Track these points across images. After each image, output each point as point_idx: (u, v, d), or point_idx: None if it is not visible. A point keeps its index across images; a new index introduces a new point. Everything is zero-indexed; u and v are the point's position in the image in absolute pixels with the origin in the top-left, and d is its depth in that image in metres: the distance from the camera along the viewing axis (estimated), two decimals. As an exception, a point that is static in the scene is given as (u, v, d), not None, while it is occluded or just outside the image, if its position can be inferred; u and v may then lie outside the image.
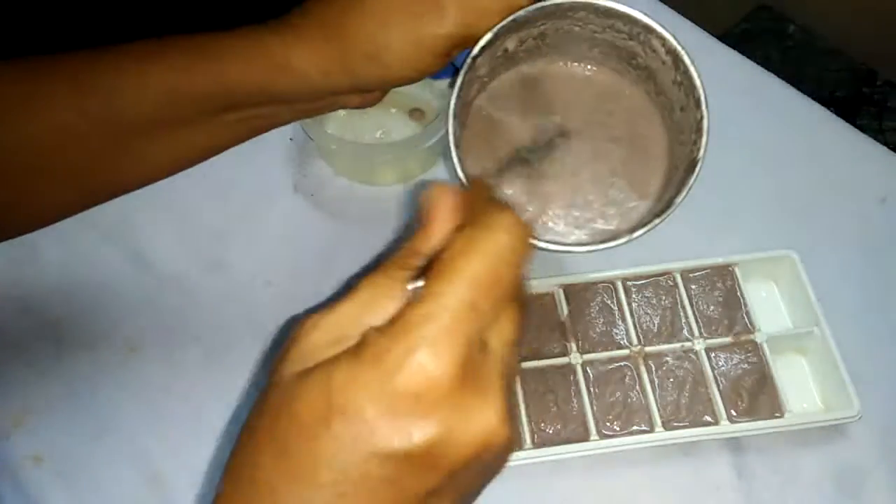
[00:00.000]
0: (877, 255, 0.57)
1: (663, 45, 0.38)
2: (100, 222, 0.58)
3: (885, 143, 0.63)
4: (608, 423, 0.49)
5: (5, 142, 0.35)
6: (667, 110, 0.42)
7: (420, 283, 0.25)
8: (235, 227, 0.58)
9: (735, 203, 0.60)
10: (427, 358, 0.23)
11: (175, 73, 0.36)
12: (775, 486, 0.49)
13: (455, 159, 0.36)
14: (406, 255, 0.26)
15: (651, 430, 0.48)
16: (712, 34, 0.66)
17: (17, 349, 0.53)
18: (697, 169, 0.38)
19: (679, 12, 0.67)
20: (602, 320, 0.52)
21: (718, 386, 0.50)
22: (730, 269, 0.54)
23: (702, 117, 0.38)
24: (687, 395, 0.50)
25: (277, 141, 0.62)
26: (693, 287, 0.54)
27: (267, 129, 0.40)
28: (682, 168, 0.40)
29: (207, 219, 0.58)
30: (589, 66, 0.43)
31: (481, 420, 0.23)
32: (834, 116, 0.64)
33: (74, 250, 0.57)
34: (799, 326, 0.52)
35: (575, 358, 0.51)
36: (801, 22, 1.26)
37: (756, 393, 0.49)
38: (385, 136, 0.60)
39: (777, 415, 0.49)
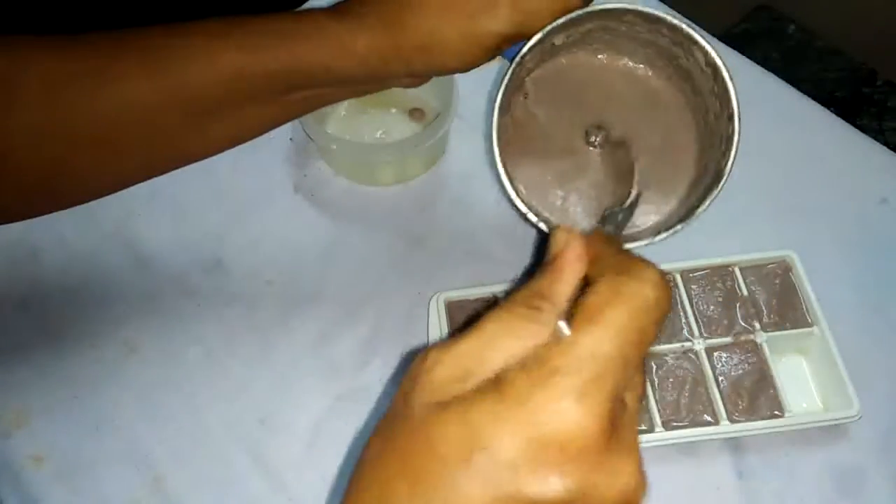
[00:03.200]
0: (877, 255, 0.57)
1: (705, 57, 0.40)
2: (100, 222, 0.58)
3: (885, 143, 0.63)
4: (608, 423, 0.49)
5: (78, 112, 0.36)
6: (701, 113, 0.43)
7: (564, 327, 0.24)
8: (235, 227, 0.58)
9: (735, 203, 0.59)
10: (576, 408, 0.22)
11: (243, 54, 0.37)
12: (775, 486, 0.49)
13: (497, 153, 0.39)
14: (531, 295, 0.25)
15: (651, 430, 0.48)
16: (712, 34, 0.66)
17: (17, 349, 0.53)
18: (723, 181, 0.39)
19: (679, 12, 0.67)
20: (602, 320, 0.52)
21: (718, 386, 0.50)
22: (730, 269, 0.54)
23: (733, 132, 0.39)
24: (687, 395, 0.50)
25: (277, 141, 0.62)
26: (693, 287, 0.53)
27: (326, 105, 0.43)
28: (709, 175, 0.41)
29: (207, 219, 0.58)
30: (630, 62, 0.44)
31: (623, 479, 0.23)
32: (834, 116, 0.64)
33: (75, 250, 0.57)
34: (799, 328, 0.52)
35: (575, 358, 0.51)
36: (801, 22, 1.26)
37: (756, 393, 0.49)
38: (385, 136, 0.60)
39: (777, 415, 0.49)
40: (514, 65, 0.38)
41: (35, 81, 0.36)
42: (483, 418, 0.22)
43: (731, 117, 0.39)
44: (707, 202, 0.39)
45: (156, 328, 0.54)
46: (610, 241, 0.30)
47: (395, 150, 0.57)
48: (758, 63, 0.65)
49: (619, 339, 0.23)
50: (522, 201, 0.40)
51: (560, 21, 0.38)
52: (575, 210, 0.44)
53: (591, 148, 0.44)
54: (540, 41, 0.38)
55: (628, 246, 0.40)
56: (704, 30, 0.63)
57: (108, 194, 0.41)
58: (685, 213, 0.40)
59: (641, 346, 0.24)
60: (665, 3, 0.68)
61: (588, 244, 0.27)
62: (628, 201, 0.41)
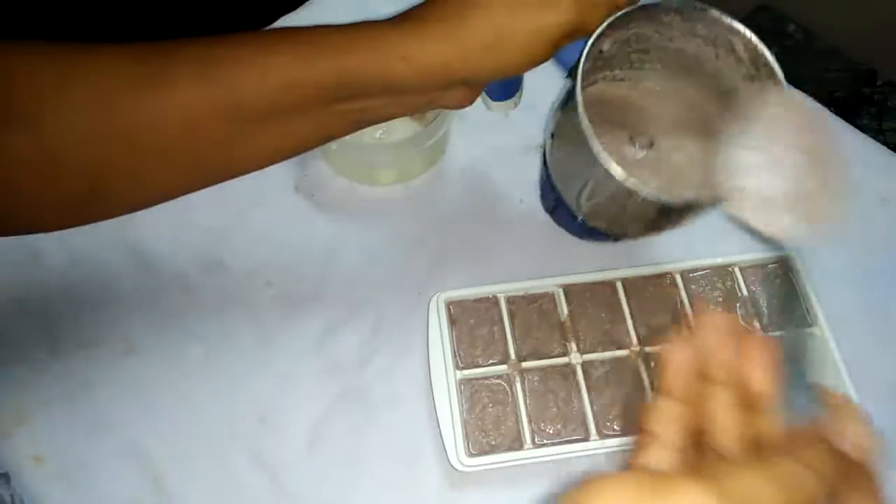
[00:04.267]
0: (877, 255, 0.57)
1: (743, 42, 0.43)
2: (100, 222, 0.58)
3: (885, 143, 0.63)
4: (608, 423, 0.49)
5: (127, 115, 0.36)
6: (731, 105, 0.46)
7: None
8: (235, 227, 0.58)
9: (735, 203, 0.60)
10: None
11: (294, 63, 0.37)
12: (775, 486, 0.49)
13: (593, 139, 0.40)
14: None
15: (651, 430, 0.48)
16: (712, 34, 0.66)
17: (16, 349, 0.53)
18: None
19: (679, 12, 0.67)
20: (602, 320, 0.52)
21: (718, 386, 0.50)
22: (730, 269, 0.54)
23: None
24: (687, 395, 0.50)
25: (277, 141, 0.62)
26: (693, 287, 0.54)
27: (370, 124, 0.42)
28: None
29: (207, 219, 0.58)
30: (660, 87, 0.48)
31: None
32: (834, 116, 0.64)
33: (74, 250, 0.57)
34: (799, 328, 0.52)
35: (575, 358, 0.51)
36: (801, 22, 1.26)
37: (756, 393, 0.49)
38: (385, 136, 0.60)
39: (777, 415, 0.49)
40: (588, 48, 0.41)
41: (87, 83, 0.35)
42: None
43: (778, 84, 0.42)
44: None
45: (156, 328, 0.54)
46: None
47: (395, 150, 0.57)
48: (758, 63, 0.65)
49: None
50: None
51: (615, 17, 0.40)
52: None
53: (636, 150, 0.48)
54: (599, 36, 0.41)
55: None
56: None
57: (150, 205, 0.41)
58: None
59: None
60: (665, 3, 0.68)
61: None
62: None
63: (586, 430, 0.49)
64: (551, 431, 0.49)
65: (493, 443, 0.48)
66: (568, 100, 0.42)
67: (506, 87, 0.48)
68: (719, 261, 0.54)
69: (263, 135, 0.39)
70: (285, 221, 0.59)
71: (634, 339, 0.52)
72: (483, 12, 0.37)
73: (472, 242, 0.58)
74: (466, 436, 0.49)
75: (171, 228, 0.58)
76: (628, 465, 0.28)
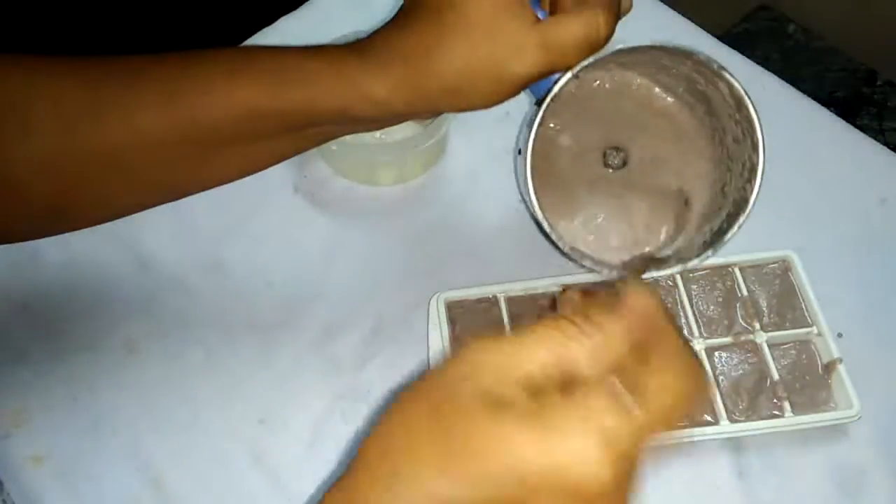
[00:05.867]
0: (877, 255, 0.57)
1: (730, 90, 0.40)
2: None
3: (885, 143, 0.63)
4: (608, 424, 0.49)
5: (90, 141, 0.36)
6: (718, 133, 0.44)
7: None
8: (235, 227, 0.58)
9: (735, 203, 0.60)
10: (607, 471, 0.24)
11: (258, 92, 0.37)
12: (775, 486, 0.49)
13: (534, 198, 0.39)
14: (586, 320, 0.27)
15: (651, 430, 0.48)
16: (712, 34, 0.66)
17: (16, 350, 0.53)
18: (749, 208, 0.40)
19: (679, 12, 0.67)
20: (602, 320, 0.52)
21: (718, 386, 0.50)
22: (730, 269, 0.54)
23: (757, 162, 0.40)
24: (687, 395, 0.50)
25: (277, 141, 0.62)
26: (693, 287, 0.53)
27: (336, 138, 0.43)
28: (728, 200, 0.42)
29: (207, 219, 0.58)
30: (646, 83, 0.45)
31: None
32: (834, 116, 0.64)
33: (74, 251, 0.57)
34: (799, 328, 0.52)
35: (575, 358, 0.51)
36: (801, 22, 1.26)
37: (756, 393, 0.49)
38: (385, 136, 0.60)
39: (777, 415, 0.49)
40: (542, 110, 0.38)
41: (49, 109, 0.35)
42: (515, 436, 0.24)
43: (755, 147, 0.40)
44: (735, 228, 0.40)
45: (156, 329, 0.54)
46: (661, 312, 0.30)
47: (395, 150, 0.57)
48: (758, 63, 0.65)
49: (662, 426, 0.26)
50: (569, 246, 0.41)
51: (588, 62, 0.37)
52: (604, 233, 0.46)
53: (609, 170, 0.45)
54: (565, 84, 0.38)
55: (657, 275, 0.42)
56: (704, 30, 0.63)
57: (116, 219, 0.41)
58: (711, 240, 0.41)
59: (668, 434, 0.27)
60: (666, 3, 0.68)
61: (655, 309, 0.28)
62: (672, 247, 0.41)
63: (586, 430, 0.49)
64: (551, 431, 0.49)
65: (493, 443, 0.48)
66: (533, 121, 0.40)
67: None
68: (719, 261, 0.54)
69: (229, 156, 0.39)
70: (285, 222, 0.59)
71: (634, 339, 0.51)
72: (445, 59, 0.36)
73: (472, 242, 0.58)
74: (466, 436, 0.48)
75: (171, 229, 0.58)
76: None
